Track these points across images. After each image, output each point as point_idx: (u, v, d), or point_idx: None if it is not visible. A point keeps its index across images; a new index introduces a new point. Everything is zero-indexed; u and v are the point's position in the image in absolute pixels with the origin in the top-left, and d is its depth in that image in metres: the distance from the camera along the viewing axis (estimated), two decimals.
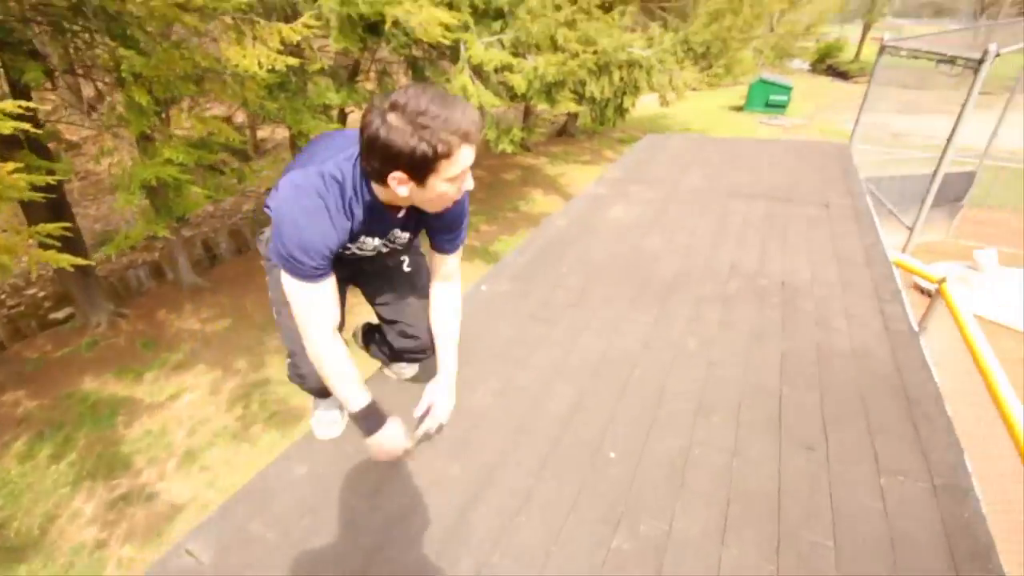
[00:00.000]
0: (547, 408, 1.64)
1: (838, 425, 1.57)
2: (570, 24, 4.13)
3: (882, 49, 5.78)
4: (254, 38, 3.08)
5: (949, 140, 4.01)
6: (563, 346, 1.95)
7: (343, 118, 5.91)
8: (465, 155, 1.00)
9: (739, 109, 17.29)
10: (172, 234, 4.54)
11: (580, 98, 5.04)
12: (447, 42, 3.73)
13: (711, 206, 3.30)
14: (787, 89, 15.85)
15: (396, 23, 3.52)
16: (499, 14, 4.45)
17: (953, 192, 7.01)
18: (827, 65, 27.65)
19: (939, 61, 4.41)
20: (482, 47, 4.21)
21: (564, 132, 12.44)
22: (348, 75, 5.21)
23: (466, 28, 4.28)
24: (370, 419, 1.31)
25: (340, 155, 1.09)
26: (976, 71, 3.69)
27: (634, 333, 2.03)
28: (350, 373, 1.25)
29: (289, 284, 1.14)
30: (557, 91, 4.19)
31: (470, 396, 1.67)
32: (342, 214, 1.10)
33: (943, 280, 3.40)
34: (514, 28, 4.09)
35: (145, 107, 3.05)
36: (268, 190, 1.52)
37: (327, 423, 1.56)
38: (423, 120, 0.92)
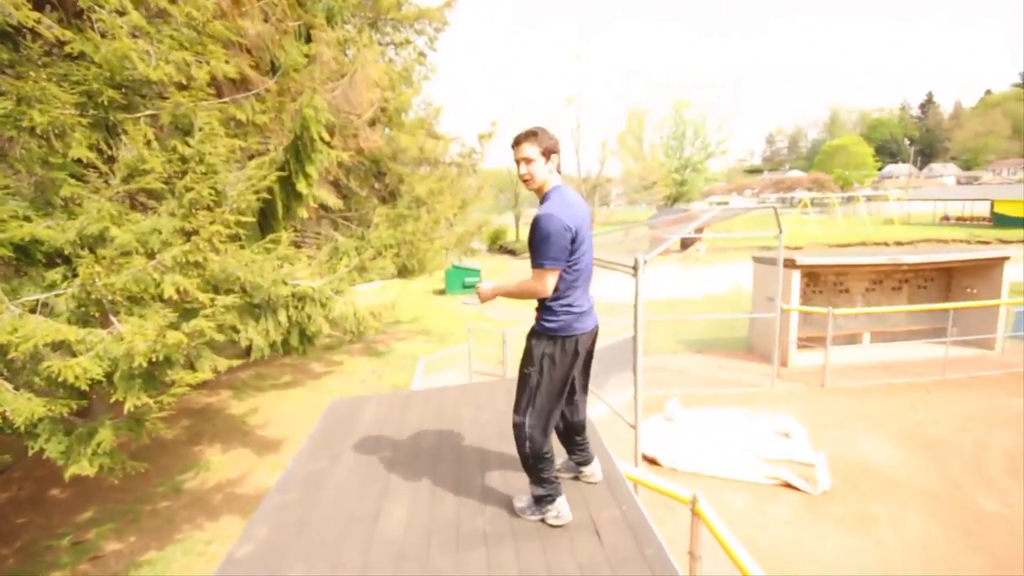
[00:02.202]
0: None
1: None
2: (189, 266, 2.79)
3: None
4: None
5: (636, 327, 4.08)
6: None
7: None
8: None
9: (441, 292, 18.51)
10: None
11: (235, 343, 3.59)
12: None
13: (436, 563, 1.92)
14: (477, 272, 17.87)
15: None
16: (58, 259, 2.80)
17: (629, 353, 7.99)
18: (499, 246, 33.82)
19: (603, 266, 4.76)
20: (14, 315, 2.42)
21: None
22: None
23: None
24: None
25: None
26: (635, 274, 3.90)
27: None
28: None
29: None
30: (171, 367, 2.63)
31: None
32: None
33: (695, 500, 3.02)
34: (80, 281, 2.49)
35: None
36: None
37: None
38: None
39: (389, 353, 11.54)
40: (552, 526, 2.14)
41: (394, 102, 8.94)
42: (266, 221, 5.03)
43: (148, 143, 3.08)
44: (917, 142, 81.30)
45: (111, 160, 3.21)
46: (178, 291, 2.65)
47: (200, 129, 3.05)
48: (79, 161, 3.10)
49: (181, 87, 3.14)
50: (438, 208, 9.85)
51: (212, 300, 2.79)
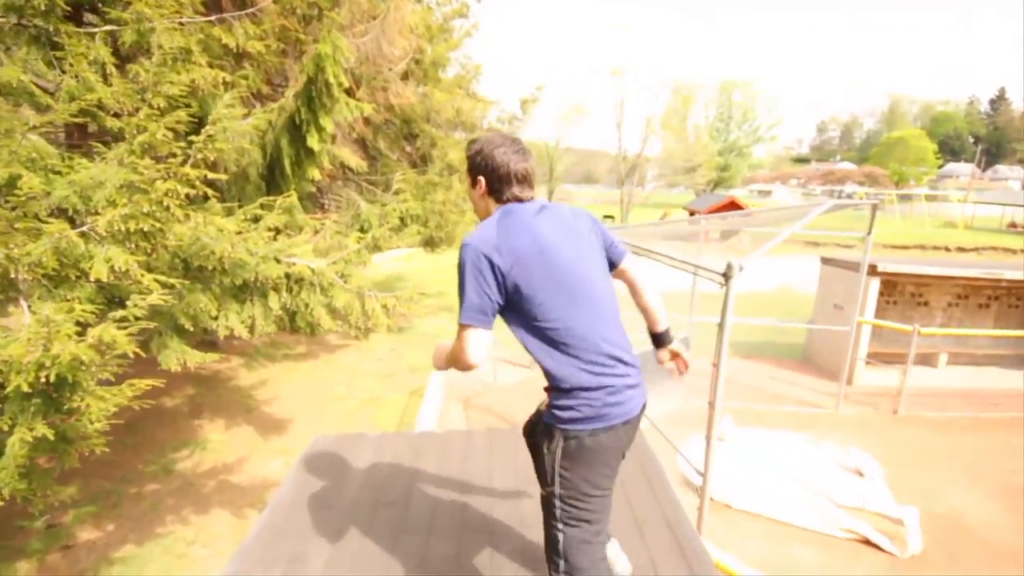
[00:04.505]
0: None
1: None
2: (134, 236, 2.03)
3: None
4: None
5: (720, 355, 3.19)
6: None
7: None
8: None
9: None
10: None
11: (211, 334, 2.88)
12: None
13: None
14: None
15: None
16: None
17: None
18: None
19: (674, 267, 3.86)
20: None
21: None
22: None
23: None
24: None
25: None
26: (726, 284, 3.01)
27: None
28: None
29: None
30: (74, 391, 1.88)
31: None
32: None
33: None
34: None
35: None
36: None
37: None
38: None
39: (410, 329, 10.91)
40: None
41: (431, 55, 8.01)
42: (273, 180, 4.28)
43: (103, 67, 2.32)
44: (983, 140, 75.61)
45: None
46: (114, 270, 1.92)
47: (160, 48, 2.27)
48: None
49: None
50: None
51: (159, 284, 2.04)
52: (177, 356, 2.66)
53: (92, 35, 2.39)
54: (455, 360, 1.37)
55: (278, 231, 3.31)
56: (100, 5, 2.81)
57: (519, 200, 1.45)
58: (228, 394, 7.43)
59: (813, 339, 8.74)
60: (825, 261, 8.60)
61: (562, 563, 1.40)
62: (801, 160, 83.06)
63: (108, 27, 2.45)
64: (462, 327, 1.32)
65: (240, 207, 3.40)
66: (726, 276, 2.94)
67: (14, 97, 2.22)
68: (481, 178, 1.46)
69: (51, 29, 2.27)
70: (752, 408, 6.85)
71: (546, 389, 1.41)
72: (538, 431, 1.44)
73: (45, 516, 4.80)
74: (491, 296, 1.30)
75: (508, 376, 8.24)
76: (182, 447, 5.96)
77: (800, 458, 5.55)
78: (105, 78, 2.36)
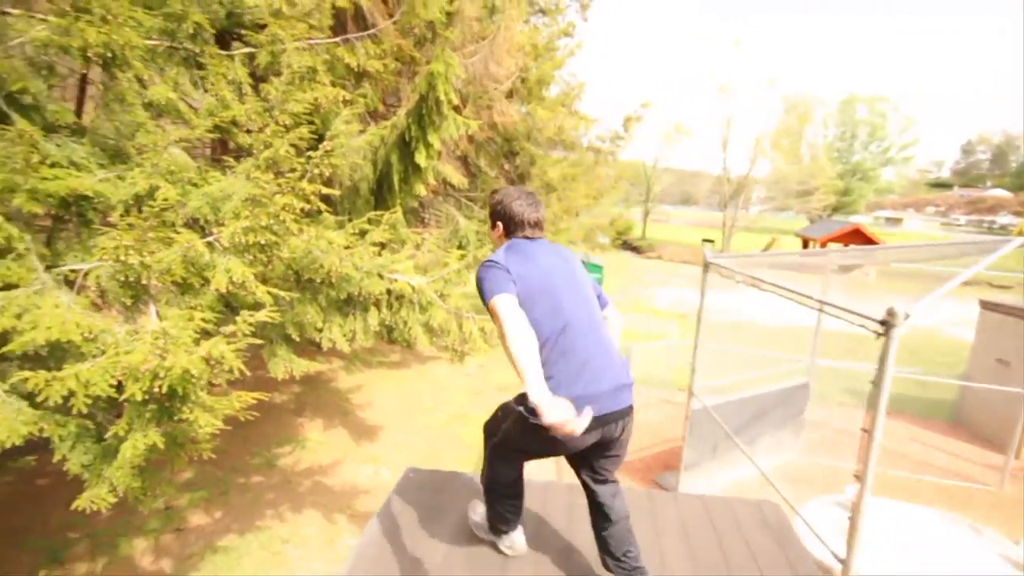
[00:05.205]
0: None
1: None
2: (252, 248, 2.07)
3: (706, 267, 5.03)
4: None
5: (874, 432, 2.66)
6: None
7: None
8: None
9: None
10: None
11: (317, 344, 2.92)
12: None
13: None
14: (599, 268, 16.59)
15: None
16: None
17: (796, 406, 6.30)
18: (622, 241, 31.96)
19: (797, 302, 3.33)
20: (38, 290, 1.86)
21: None
22: None
23: None
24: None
25: None
26: (886, 334, 2.49)
27: None
28: None
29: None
30: (183, 403, 1.89)
31: None
32: None
33: None
34: (101, 255, 1.85)
35: None
36: None
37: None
38: None
39: (499, 347, 10.90)
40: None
41: (535, 73, 8.01)
42: (380, 195, 4.38)
43: (239, 87, 2.46)
44: None
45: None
46: (232, 281, 1.96)
47: (289, 66, 2.36)
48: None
49: (277, 14, 2.45)
50: (570, 196, 8.82)
51: (272, 297, 2.05)
52: (285, 365, 2.74)
53: (232, 57, 2.58)
54: (507, 338, 1.48)
55: (382, 246, 3.34)
56: (242, 32, 3.03)
57: (526, 237, 1.79)
58: (328, 395, 7.80)
59: (968, 398, 7.36)
60: (986, 306, 7.25)
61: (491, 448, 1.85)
62: (940, 185, 73.27)
63: (246, 49, 2.63)
64: (493, 303, 1.55)
65: (350, 220, 3.48)
66: (887, 325, 2.43)
67: (164, 113, 2.44)
68: (500, 223, 1.81)
69: (198, 51, 2.48)
70: (887, 473, 5.85)
71: None
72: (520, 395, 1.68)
73: (164, 497, 5.21)
74: (509, 278, 1.60)
75: None
76: (285, 443, 6.28)
77: (952, 544, 4.57)
78: (240, 97, 2.54)
